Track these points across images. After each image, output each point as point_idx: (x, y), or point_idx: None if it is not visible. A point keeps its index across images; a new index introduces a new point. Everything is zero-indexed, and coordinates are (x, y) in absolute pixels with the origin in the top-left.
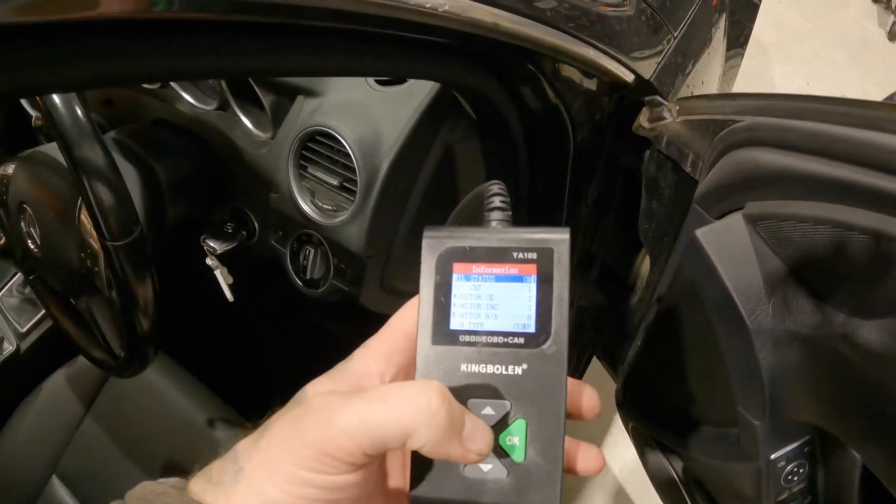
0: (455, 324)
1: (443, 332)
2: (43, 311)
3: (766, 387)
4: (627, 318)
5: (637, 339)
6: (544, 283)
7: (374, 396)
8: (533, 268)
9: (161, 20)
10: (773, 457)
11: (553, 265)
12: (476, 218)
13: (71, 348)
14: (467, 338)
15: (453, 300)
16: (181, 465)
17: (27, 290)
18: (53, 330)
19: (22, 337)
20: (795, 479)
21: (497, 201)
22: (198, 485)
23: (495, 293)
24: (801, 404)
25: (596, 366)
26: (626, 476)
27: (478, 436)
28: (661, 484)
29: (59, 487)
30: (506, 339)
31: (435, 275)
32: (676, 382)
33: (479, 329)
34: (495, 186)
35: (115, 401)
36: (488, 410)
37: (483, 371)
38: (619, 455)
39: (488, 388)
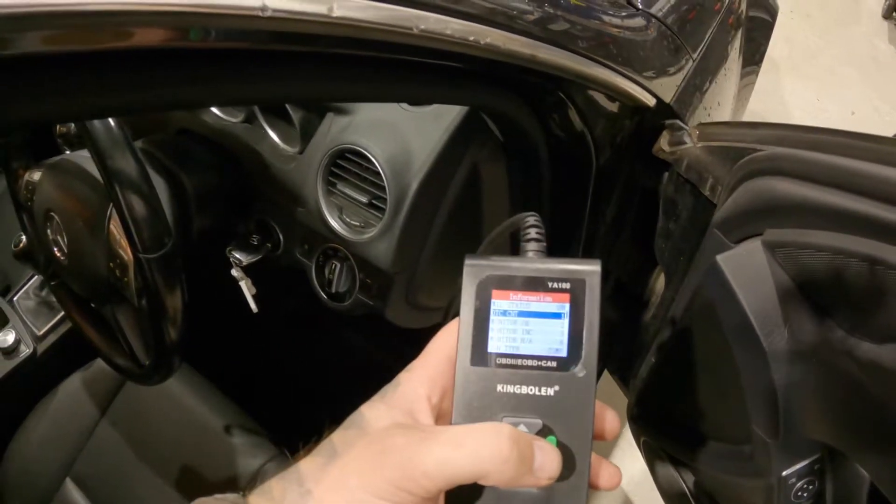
0: (493, 347)
1: (481, 354)
2: (60, 315)
3: (780, 407)
4: (640, 333)
5: (651, 355)
6: (576, 311)
7: (450, 440)
8: (566, 297)
9: (197, 49)
10: (784, 473)
11: (585, 295)
12: (502, 245)
13: (87, 352)
14: (504, 360)
15: (491, 325)
16: (197, 470)
17: (44, 292)
18: (70, 333)
19: (38, 340)
20: (805, 495)
21: (533, 233)
22: (258, 503)
23: (531, 319)
24: (812, 422)
25: (604, 379)
26: (632, 489)
27: (548, 465)
28: (672, 497)
29: (72, 490)
30: (539, 363)
31: (475, 300)
32: (691, 400)
33: (515, 352)
34: (531, 218)
35: (130, 405)
36: (521, 428)
37: (517, 391)
38: (628, 467)
39: (522, 406)
